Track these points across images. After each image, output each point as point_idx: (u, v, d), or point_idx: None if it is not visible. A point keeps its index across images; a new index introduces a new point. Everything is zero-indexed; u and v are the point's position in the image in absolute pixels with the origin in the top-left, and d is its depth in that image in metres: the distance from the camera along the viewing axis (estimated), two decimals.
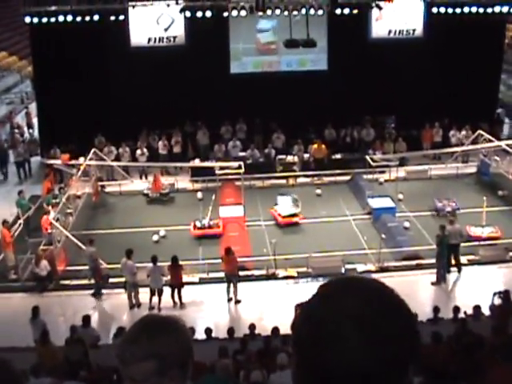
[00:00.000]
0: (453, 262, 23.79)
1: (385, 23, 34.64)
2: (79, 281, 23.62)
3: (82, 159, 31.09)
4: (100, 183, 31.76)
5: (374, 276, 23.44)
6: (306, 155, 33.58)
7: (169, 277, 22.44)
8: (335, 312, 1.83)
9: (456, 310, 18.47)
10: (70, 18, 32.06)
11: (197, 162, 32.78)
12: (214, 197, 28.67)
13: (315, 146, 33.15)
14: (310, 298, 1.94)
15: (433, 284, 23.18)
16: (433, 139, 34.86)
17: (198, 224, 26.95)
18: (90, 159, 30.90)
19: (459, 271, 23.88)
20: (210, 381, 10.65)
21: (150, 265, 22.10)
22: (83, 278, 23.56)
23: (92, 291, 22.96)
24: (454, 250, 23.65)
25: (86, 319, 18.27)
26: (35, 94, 38.23)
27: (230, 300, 22.55)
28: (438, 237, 23.46)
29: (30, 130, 39.51)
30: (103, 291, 23.06)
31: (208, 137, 34.29)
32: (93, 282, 23.12)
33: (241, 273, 23.19)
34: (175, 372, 2.57)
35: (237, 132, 34.72)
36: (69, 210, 27.40)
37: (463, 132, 34.30)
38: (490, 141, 32.11)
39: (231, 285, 22.50)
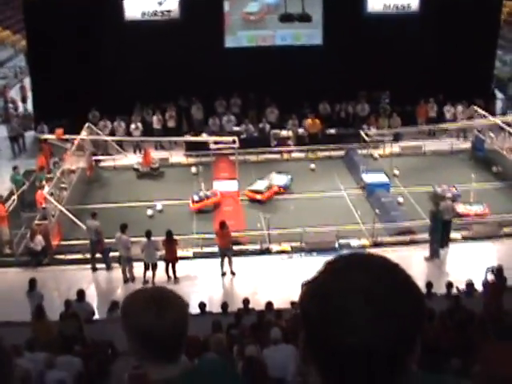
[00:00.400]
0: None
1: None
2: (74, 255, 23.62)
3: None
4: (94, 158, 31.69)
5: (368, 251, 23.61)
6: (301, 130, 33.54)
7: (163, 251, 22.49)
8: (343, 287, 1.85)
9: (449, 285, 18.56)
10: None
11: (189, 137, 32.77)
12: (200, 169, 28.66)
13: (310, 120, 33.16)
14: (317, 274, 1.96)
15: (426, 259, 23.25)
16: (427, 115, 34.80)
17: (196, 198, 26.97)
18: (84, 134, 30.81)
19: (446, 247, 23.90)
20: (205, 364, 10.69)
21: (144, 239, 22.11)
22: (77, 253, 23.58)
23: (91, 265, 23.03)
24: (446, 225, 23.71)
25: (81, 294, 18.30)
26: (29, 68, 38.02)
27: (223, 274, 22.60)
28: (431, 212, 23.55)
29: (25, 105, 39.38)
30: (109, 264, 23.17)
31: (202, 111, 34.23)
32: (89, 256, 23.09)
33: (235, 247, 23.26)
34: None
35: (231, 106, 34.66)
36: (63, 185, 27.37)
37: (459, 107, 34.27)
38: (485, 117, 32.07)
39: (225, 259, 22.57)
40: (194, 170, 30.52)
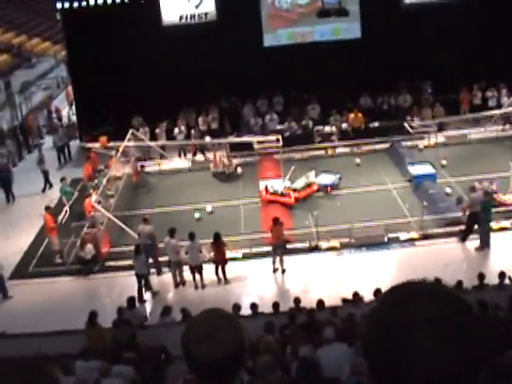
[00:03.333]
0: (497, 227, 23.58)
1: None
2: (124, 261, 23.74)
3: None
4: (139, 163, 31.89)
5: (418, 244, 23.50)
6: (344, 125, 33.41)
7: (211, 253, 22.55)
8: (406, 320, 1.82)
9: (502, 275, 18.32)
10: (100, 0, 32.22)
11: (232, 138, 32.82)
12: (292, 168, 28.56)
13: (352, 115, 33.03)
14: (376, 305, 1.94)
15: (476, 250, 22.99)
16: (471, 102, 34.45)
17: (271, 189, 27.04)
18: (128, 140, 31.00)
19: (464, 240, 23.52)
20: None
21: (188, 242, 22.17)
22: (128, 259, 23.72)
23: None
24: (476, 217, 23.39)
25: (131, 301, 18.41)
26: (71, 77, 38.35)
27: (275, 271, 22.61)
28: (481, 202, 23.21)
29: (70, 112, 39.77)
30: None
31: (254, 112, 34.26)
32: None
33: None
34: None
35: (274, 105, 34.64)
36: (110, 192, 27.61)
37: (504, 91, 33.81)
38: None
39: (277, 256, 22.57)
40: (239, 170, 30.52)
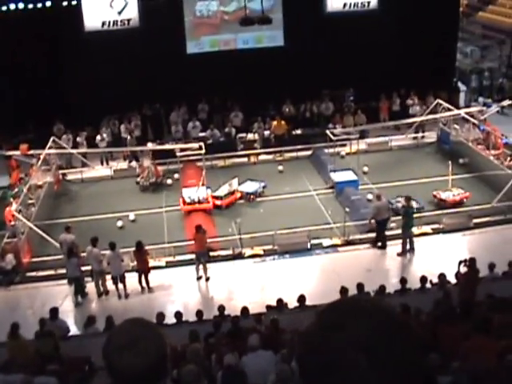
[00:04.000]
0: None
1: None
2: (46, 271, 23.40)
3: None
4: (61, 171, 31.45)
5: (341, 250, 23.76)
6: (267, 132, 33.55)
7: (134, 262, 22.37)
8: (341, 341, 1.82)
9: (423, 280, 18.61)
10: (21, 5, 31.74)
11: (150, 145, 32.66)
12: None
13: (275, 122, 33.18)
14: (311, 327, 1.93)
15: (398, 255, 23.33)
16: (390, 110, 35.01)
17: (188, 199, 26.94)
18: (50, 147, 30.52)
19: (384, 247, 23.98)
20: None
21: (109, 252, 21.95)
22: (50, 269, 23.37)
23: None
24: (383, 225, 23.82)
25: (54, 312, 18.10)
26: None
27: (199, 278, 22.56)
28: (403, 207, 23.61)
29: None
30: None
31: (177, 119, 34.12)
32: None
33: None
34: None
35: (199, 112, 34.52)
36: (31, 201, 27.16)
37: (416, 100, 34.49)
38: (449, 109, 32.23)
39: (200, 264, 22.52)
40: (169, 181, 30.40)
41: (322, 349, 1.84)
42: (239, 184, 28.32)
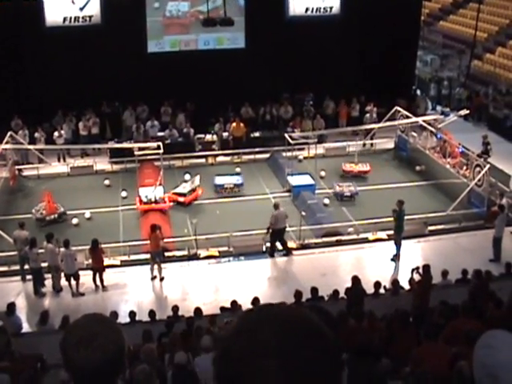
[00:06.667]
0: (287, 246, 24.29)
1: (302, 1, 34.81)
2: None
3: None
4: (17, 167, 31.15)
5: (296, 253, 23.86)
6: (225, 134, 33.57)
7: (90, 260, 22.28)
8: (252, 347, 1.86)
9: (377, 285, 18.76)
10: None
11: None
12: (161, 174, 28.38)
13: (234, 124, 33.19)
14: (226, 333, 1.97)
15: (392, 259, 23.43)
16: (349, 115, 35.21)
17: (144, 199, 26.89)
18: (6, 142, 30.22)
19: (288, 255, 24.14)
20: None
21: (63, 249, 21.81)
22: (3, 265, 23.16)
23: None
24: (281, 233, 23.96)
25: (11, 307, 17.96)
26: None
27: (153, 278, 22.54)
28: (394, 211, 23.48)
29: None
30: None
31: (134, 117, 33.98)
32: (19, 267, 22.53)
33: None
34: None
35: (162, 114, 34.41)
36: None
37: (374, 108, 34.62)
38: (408, 117, 32.51)
39: (155, 264, 22.50)
40: (107, 182, 30.11)
41: (234, 353, 1.88)
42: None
